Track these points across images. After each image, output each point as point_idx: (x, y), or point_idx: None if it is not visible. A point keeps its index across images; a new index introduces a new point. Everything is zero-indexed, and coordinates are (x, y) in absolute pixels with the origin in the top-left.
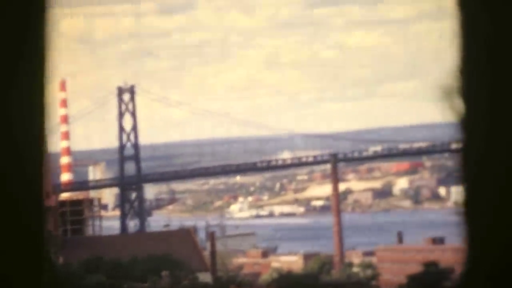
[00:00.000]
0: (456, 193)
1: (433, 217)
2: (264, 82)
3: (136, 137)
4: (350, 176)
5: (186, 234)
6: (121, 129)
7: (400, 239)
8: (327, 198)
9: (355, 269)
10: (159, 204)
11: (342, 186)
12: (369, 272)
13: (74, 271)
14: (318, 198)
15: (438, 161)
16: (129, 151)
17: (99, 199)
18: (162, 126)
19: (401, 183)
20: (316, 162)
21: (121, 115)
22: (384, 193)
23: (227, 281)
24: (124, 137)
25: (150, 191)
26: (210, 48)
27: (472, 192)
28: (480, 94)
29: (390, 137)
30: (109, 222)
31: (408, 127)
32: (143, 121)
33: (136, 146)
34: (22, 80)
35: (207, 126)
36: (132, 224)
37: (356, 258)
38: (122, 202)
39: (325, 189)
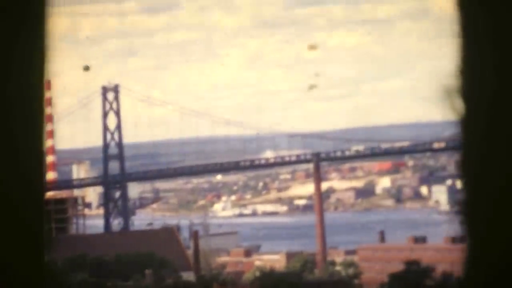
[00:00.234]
0: (437, 192)
1: (415, 216)
2: (247, 81)
3: (120, 136)
4: (333, 175)
5: (170, 233)
6: (105, 128)
7: (382, 238)
8: (309, 197)
9: (337, 268)
10: (142, 203)
11: (324, 185)
12: (351, 270)
13: (58, 269)
14: (300, 197)
15: (420, 161)
16: (113, 150)
17: (83, 198)
18: (146, 125)
19: (383, 182)
20: (299, 161)
21: (105, 114)
22: (366, 192)
23: (210, 279)
24: (108, 136)
25: (134, 190)
26: (194, 47)
27: (472, 192)
28: (480, 94)
29: (373, 136)
30: (93, 221)
31: (390, 127)
32: (127, 120)
33: (120, 145)
34: (20, 79)
35: (191, 125)
36: (116, 223)
37: (338, 257)
38: (106, 200)
39: (308, 188)
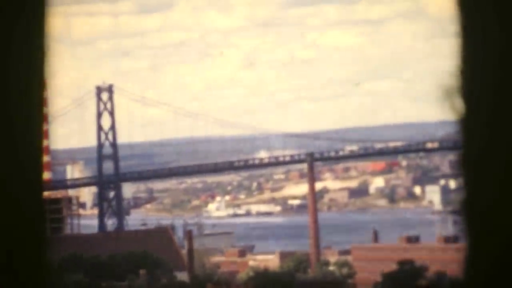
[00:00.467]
0: (430, 192)
1: (408, 216)
2: (241, 81)
3: (114, 136)
4: (327, 175)
5: (164, 233)
6: (100, 128)
7: (375, 238)
8: (303, 197)
9: (331, 268)
10: (137, 202)
11: (318, 185)
12: (345, 270)
13: (53, 269)
14: (294, 197)
15: (414, 161)
16: (107, 150)
17: (78, 198)
18: (141, 125)
19: (377, 182)
20: (293, 161)
21: (99, 114)
22: (360, 192)
23: (204, 279)
24: (103, 136)
25: (128, 190)
26: (188, 48)
27: (471, 192)
28: (481, 94)
29: (366, 136)
30: (87, 221)
31: (384, 127)
32: (121, 120)
33: (114, 145)
34: (19, 78)
35: (185, 125)
36: (110, 223)
37: (332, 257)
38: (100, 200)
39: (302, 188)
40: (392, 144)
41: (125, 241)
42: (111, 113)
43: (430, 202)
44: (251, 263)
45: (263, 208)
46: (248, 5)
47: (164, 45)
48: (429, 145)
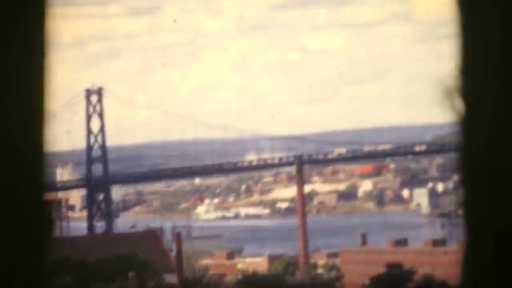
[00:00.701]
0: (418, 195)
1: (397, 219)
2: (230, 84)
3: (103, 138)
4: (315, 178)
5: (153, 236)
6: (89, 130)
7: (364, 241)
8: (292, 200)
9: (319, 271)
10: (126, 205)
11: (307, 188)
12: (333, 273)
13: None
14: (283, 200)
15: (402, 164)
16: (96, 152)
17: (67, 200)
18: (130, 127)
19: (365, 185)
20: (282, 164)
21: (88, 116)
22: (348, 195)
23: (192, 282)
24: (92, 139)
25: (117, 192)
26: (177, 50)
27: (471, 192)
28: (481, 94)
29: (355, 139)
30: (76, 223)
31: (373, 130)
32: (110, 123)
33: (103, 147)
34: (20, 79)
35: (174, 127)
36: (99, 225)
37: (320, 260)
38: (89, 203)
39: (290, 191)
40: (380, 147)
41: (114, 244)
42: (101, 116)
43: (418, 205)
44: (239, 265)
45: (252, 210)
46: (237, 8)
47: (153, 48)
48: (417, 148)
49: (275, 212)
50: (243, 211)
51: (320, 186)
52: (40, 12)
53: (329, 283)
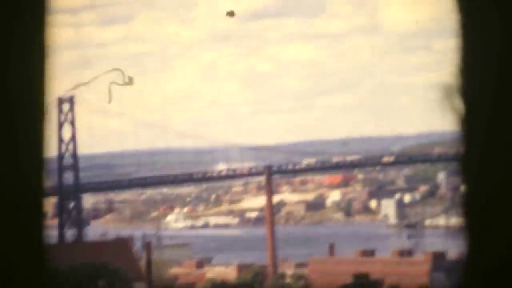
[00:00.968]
0: (386, 206)
1: (364, 229)
2: (201, 94)
3: (75, 147)
4: (284, 188)
5: (123, 244)
6: (60, 139)
7: (331, 251)
8: (261, 210)
9: (287, 280)
10: (96, 213)
11: (276, 198)
12: (301, 283)
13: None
14: (252, 210)
15: (370, 175)
16: (67, 160)
17: None
18: (101, 136)
19: (334, 196)
20: (251, 174)
21: (60, 125)
22: (316, 205)
23: None
24: (63, 147)
25: (88, 200)
26: (149, 60)
27: (471, 192)
28: (481, 94)
29: (324, 150)
30: (46, 231)
31: (341, 140)
32: (82, 131)
33: (74, 156)
34: (22, 81)
35: (145, 137)
36: (70, 233)
37: (288, 269)
38: (60, 211)
39: (260, 201)
40: (348, 158)
41: (84, 252)
42: (72, 124)
43: (385, 216)
44: (208, 274)
45: (221, 220)
46: (208, 18)
47: (125, 57)
48: (385, 159)
49: (244, 221)
50: (213, 220)
51: (289, 196)
52: (39, 17)
53: None
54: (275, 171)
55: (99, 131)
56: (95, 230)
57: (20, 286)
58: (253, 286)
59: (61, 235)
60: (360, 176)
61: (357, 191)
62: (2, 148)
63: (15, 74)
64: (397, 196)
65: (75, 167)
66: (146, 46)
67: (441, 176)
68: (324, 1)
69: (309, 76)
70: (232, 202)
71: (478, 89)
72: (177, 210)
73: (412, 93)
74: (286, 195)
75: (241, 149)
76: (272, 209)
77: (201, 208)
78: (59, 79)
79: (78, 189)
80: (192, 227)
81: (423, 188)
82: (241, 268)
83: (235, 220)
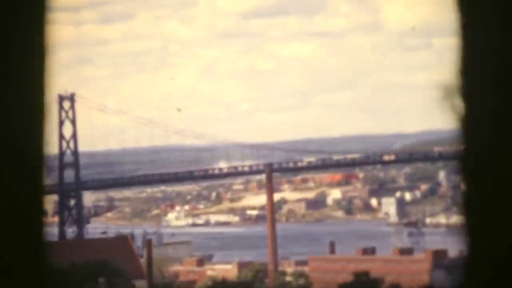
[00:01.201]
0: (386, 204)
1: (365, 227)
2: (201, 91)
3: (75, 144)
4: (285, 186)
5: (123, 242)
6: (61, 136)
7: (332, 249)
8: (262, 208)
9: (288, 278)
10: (97, 211)
11: (276, 196)
12: (301, 281)
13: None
14: (253, 208)
15: (370, 173)
16: (68, 158)
17: None
18: (102, 133)
19: (334, 194)
20: (252, 172)
21: (61, 122)
22: (317, 203)
23: None
24: (64, 144)
25: (89, 198)
26: (149, 57)
27: (472, 192)
28: (481, 94)
29: (325, 148)
30: (47, 229)
31: (342, 138)
32: (82, 129)
33: (75, 153)
34: (21, 79)
35: (145, 134)
36: (70, 231)
37: (289, 267)
38: (61, 209)
39: (260, 199)
40: (349, 156)
41: (84, 250)
42: (73, 122)
43: (386, 214)
44: (209, 272)
45: (222, 218)
46: (208, 16)
47: (125, 55)
48: (386, 158)
49: (245, 219)
50: (213, 218)
51: (289, 194)
52: (40, 15)
53: None
54: (276, 169)
55: (99, 129)
56: (95, 228)
57: (21, 284)
58: (254, 284)
59: (62, 233)
60: (361, 174)
61: (358, 189)
62: (3, 146)
63: (15, 71)
64: (398, 194)
65: (75, 164)
66: (146, 44)
67: (442, 175)
68: None
69: (309, 74)
70: (232, 200)
71: (478, 89)
72: (177, 208)
73: (412, 91)
74: (287, 193)
75: (241, 147)
76: (273, 207)
77: (201, 206)
78: (60, 77)
79: (79, 186)
80: (193, 224)
81: (424, 187)
82: (241, 266)
83: (236, 218)
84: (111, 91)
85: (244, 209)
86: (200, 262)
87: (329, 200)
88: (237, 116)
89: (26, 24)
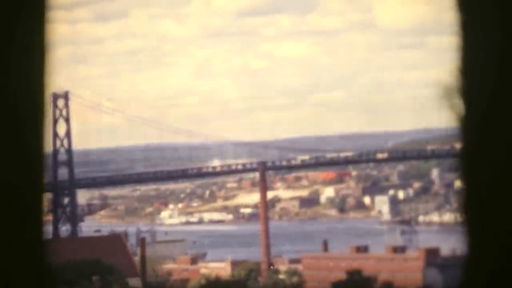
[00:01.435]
0: (379, 202)
1: (358, 225)
2: (195, 90)
3: (69, 142)
4: (278, 184)
5: (117, 240)
6: (55, 134)
7: (325, 247)
8: (255, 206)
9: (281, 276)
10: (91, 209)
11: (270, 194)
12: (295, 279)
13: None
14: (246, 206)
15: (364, 171)
16: (62, 156)
17: None
18: (96, 132)
19: (328, 192)
20: (245, 170)
21: (55, 120)
22: (311, 201)
23: (156, 286)
24: (58, 143)
25: (82, 196)
26: (143, 56)
27: (471, 193)
28: (481, 94)
29: (318, 146)
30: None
31: (335, 137)
32: (76, 127)
33: (69, 151)
34: (21, 75)
35: (139, 132)
36: (64, 229)
37: (282, 266)
38: (55, 207)
39: (254, 197)
40: (343, 154)
41: (78, 248)
42: (67, 120)
43: (379, 212)
44: (202, 270)
45: (216, 216)
46: (202, 15)
47: (119, 53)
48: (379, 156)
49: (239, 217)
50: (207, 216)
51: (283, 192)
52: (40, 14)
53: None
54: (269, 167)
55: (93, 127)
56: (89, 226)
57: (20, 282)
58: (247, 282)
59: (56, 231)
60: (354, 172)
61: (351, 187)
62: (3, 146)
63: (15, 71)
64: (391, 192)
65: (69, 162)
66: (141, 43)
67: (435, 173)
68: None
69: (303, 73)
70: (226, 198)
71: (477, 88)
72: (171, 206)
73: (406, 89)
74: (280, 191)
75: (235, 145)
76: (266, 205)
77: (195, 204)
78: (54, 75)
79: (73, 184)
80: (187, 223)
81: (417, 185)
82: (235, 264)
83: (230, 216)
84: (105, 89)
85: (237, 207)
86: (194, 260)
87: (323, 198)
88: (231, 115)
89: (26, 23)
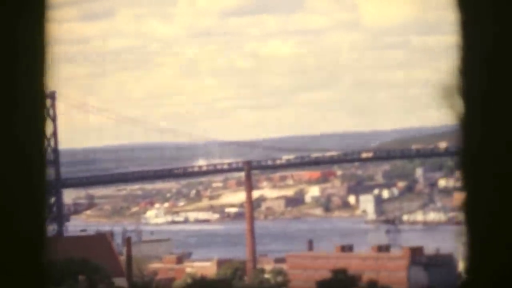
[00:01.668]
0: (364, 201)
1: (343, 225)
2: (181, 89)
3: (56, 142)
4: (264, 183)
5: (103, 239)
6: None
7: (310, 247)
8: (241, 205)
9: (266, 275)
10: (77, 209)
11: (255, 194)
12: (280, 278)
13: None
14: (232, 205)
15: (349, 170)
16: (48, 156)
17: None
18: (82, 131)
19: (313, 191)
20: (231, 169)
21: None
22: (296, 201)
23: (142, 286)
24: (45, 142)
25: (69, 196)
26: (129, 55)
27: (472, 194)
28: (481, 94)
29: (303, 145)
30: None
31: (321, 136)
32: (63, 127)
33: (55, 151)
34: (22, 76)
35: (126, 132)
36: (50, 229)
37: (268, 265)
38: None
39: (239, 196)
40: (328, 154)
41: (64, 247)
42: (53, 120)
43: (364, 211)
44: (188, 270)
45: (201, 215)
46: (189, 14)
47: (106, 53)
48: (364, 155)
49: (224, 217)
50: (193, 215)
51: (268, 192)
52: (40, 13)
53: None
54: (254, 166)
55: (80, 126)
56: (75, 226)
57: (21, 281)
58: (233, 281)
59: None
60: (339, 172)
61: (336, 186)
62: (4, 145)
63: (15, 69)
64: (376, 191)
65: (56, 162)
66: (127, 42)
67: (419, 172)
68: None
69: (288, 72)
70: (212, 197)
71: (477, 87)
72: (157, 205)
73: (391, 89)
74: (266, 191)
75: (221, 145)
76: (252, 205)
77: (181, 203)
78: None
79: (59, 184)
80: (173, 222)
81: (401, 184)
82: (220, 263)
83: (215, 216)
84: (92, 89)
85: (223, 206)
86: (179, 259)
87: (308, 198)
88: (217, 114)
89: (26, 22)
